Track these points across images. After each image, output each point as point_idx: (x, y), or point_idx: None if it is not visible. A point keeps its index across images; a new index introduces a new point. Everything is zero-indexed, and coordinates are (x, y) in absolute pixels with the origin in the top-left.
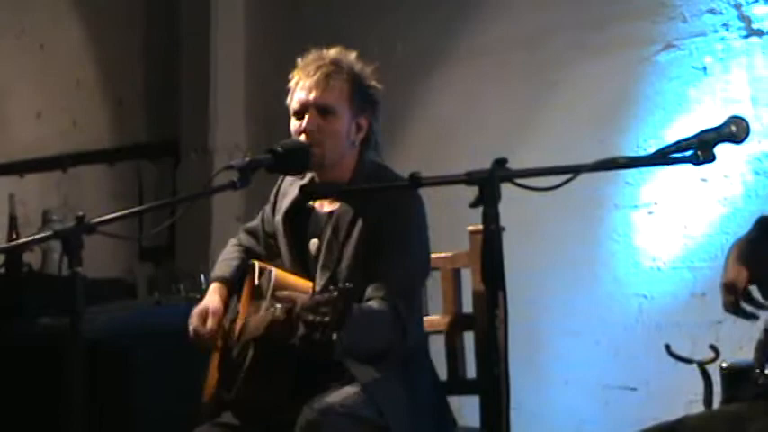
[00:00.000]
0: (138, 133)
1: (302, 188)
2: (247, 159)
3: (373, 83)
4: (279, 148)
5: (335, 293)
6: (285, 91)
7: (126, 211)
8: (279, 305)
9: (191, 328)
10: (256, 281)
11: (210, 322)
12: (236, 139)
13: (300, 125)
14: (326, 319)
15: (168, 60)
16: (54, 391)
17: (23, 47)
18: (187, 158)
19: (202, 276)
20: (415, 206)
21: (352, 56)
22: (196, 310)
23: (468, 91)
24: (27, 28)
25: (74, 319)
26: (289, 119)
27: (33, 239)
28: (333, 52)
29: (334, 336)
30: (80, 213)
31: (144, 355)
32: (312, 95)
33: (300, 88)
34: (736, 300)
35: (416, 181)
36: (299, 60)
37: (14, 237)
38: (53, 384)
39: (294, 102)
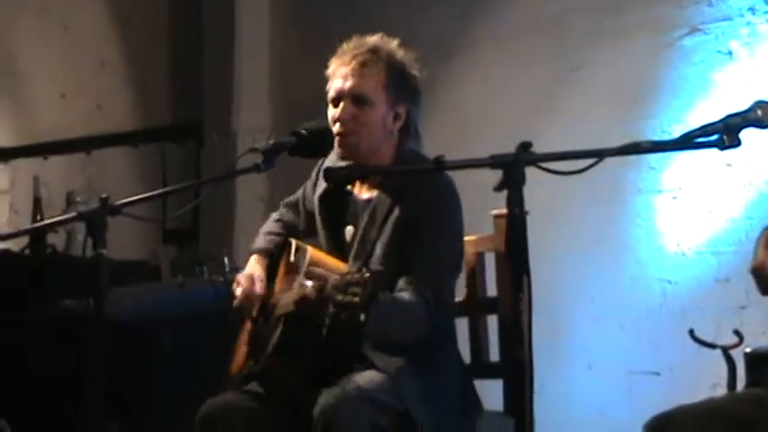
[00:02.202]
0: (162, 115)
1: (326, 172)
2: (271, 142)
3: (414, 71)
4: (303, 131)
5: (367, 274)
6: (309, 73)
7: (150, 194)
8: (310, 282)
9: (239, 290)
10: (292, 258)
11: (259, 288)
12: (260, 121)
13: (336, 113)
14: (356, 299)
15: (192, 43)
16: (77, 373)
17: (47, 29)
18: (211, 141)
19: (226, 259)
20: (452, 198)
21: (393, 43)
22: (242, 275)
23: (490, 75)
24: (51, 9)
25: (97, 300)
26: (312, 101)
27: (58, 221)
28: (373, 39)
29: (362, 316)
30: (104, 195)
31: (167, 337)
32: (347, 84)
33: (336, 76)
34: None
35: (441, 164)
36: (342, 45)
37: (39, 218)
38: (77, 366)
39: (330, 90)
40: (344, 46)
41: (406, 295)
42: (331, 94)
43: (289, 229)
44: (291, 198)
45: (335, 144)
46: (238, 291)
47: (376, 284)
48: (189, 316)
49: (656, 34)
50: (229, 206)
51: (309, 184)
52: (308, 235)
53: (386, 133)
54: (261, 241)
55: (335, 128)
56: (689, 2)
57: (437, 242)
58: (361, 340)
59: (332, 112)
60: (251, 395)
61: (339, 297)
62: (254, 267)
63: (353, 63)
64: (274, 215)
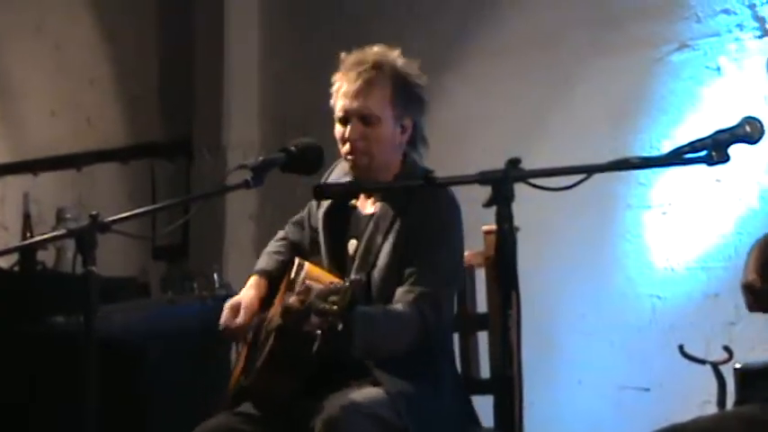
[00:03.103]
0: (152, 132)
1: (315, 190)
2: (261, 159)
3: (418, 81)
4: (293, 148)
5: (346, 284)
6: (299, 89)
7: (139, 210)
8: (295, 295)
9: (221, 320)
10: (292, 275)
11: (241, 317)
12: (250, 137)
13: (344, 132)
14: (334, 307)
15: (182, 59)
16: (68, 390)
17: (39, 46)
18: (201, 157)
19: (215, 275)
20: (453, 211)
21: (395, 54)
22: (229, 304)
23: (483, 90)
24: (43, 27)
25: (87, 317)
26: (302, 116)
27: (47, 238)
28: (374, 53)
29: (339, 326)
30: (94, 212)
31: (157, 353)
32: (354, 104)
33: (342, 95)
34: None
35: (430, 181)
36: (343, 57)
37: (28, 235)
38: (67, 382)
39: (337, 108)
40: (347, 60)
41: (399, 307)
42: (338, 113)
43: (294, 248)
44: (297, 216)
45: (347, 164)
46: (221, 321)
47: (354, 293)
48: (178, 332)
49: (645, 49)
50: (219, 222)
51: (315, 201)
52: (314, 252)
53: (395, 147)
54: (262, 262)
55: (345, 148)
56: (678, 18)
57: (438, 254)
58: (347, 351)
59: (339, 130)
60: (243, 417)
61: (320, 305)
62: (246, 293)
63: (359, 81)
64: (280, 233)
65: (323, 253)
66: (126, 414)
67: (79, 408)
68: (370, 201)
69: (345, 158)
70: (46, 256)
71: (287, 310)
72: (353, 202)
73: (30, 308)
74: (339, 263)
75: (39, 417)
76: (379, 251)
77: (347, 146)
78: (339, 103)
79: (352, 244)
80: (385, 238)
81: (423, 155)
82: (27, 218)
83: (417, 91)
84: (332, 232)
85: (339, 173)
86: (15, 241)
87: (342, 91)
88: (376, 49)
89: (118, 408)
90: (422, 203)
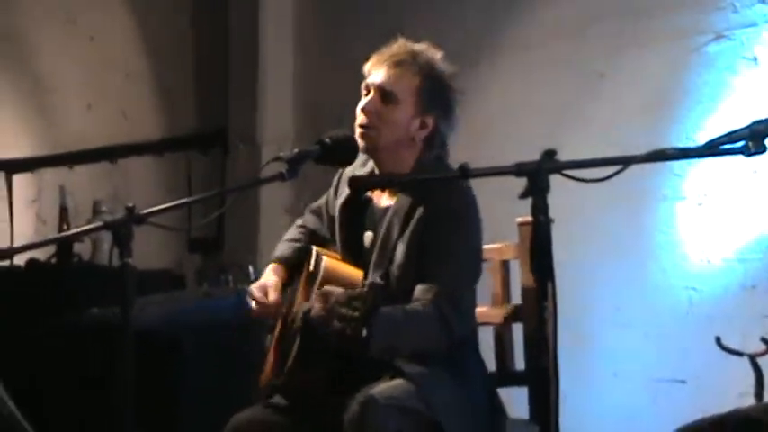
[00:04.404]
0: (187, 124)
1: (350, 180)
2: (295, 151)
3: (450, 83)
4: (327, 140)
5: (366, 288)
6: (333, 81)
7: (175, 202)
8: (314, 299)
9: (252, 302)
10: (311, 267)
11: (272, 295)
12: (285, 129)
13: (362, 104)
14: (356, 313)
15: (217, 52)
16: (104, 381)
17: (74, 39)
18: (236, 149)
19: (250, 267)
20: (470, 208)
21: (437, 54)
22: (255, 285)
23: (515, 83)
24: (78, 21)
25: (124, 309)
26: (336, 109)
27: (84, 230)
28: (417, 45)
29: (364, 331)
30: (130, 204)
31: (191, 345)
32: (378, 79)
33: (371, 69)
34: None
35: (466, 172)
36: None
37: (65, 227)
38: (103, 374)
39: (363, 85)
40: (386, 47)
41: (418, 306)
42: (363, 88)
43: (311, 235)
44: (315, 204)
45: (357, 135)
46: (252, 303)
47: (376, 298)
48: (213, 324)
49: (680, 40)
50: (254, 215)
51: (332, 190)
52: (332, 240)
53: (407, 137)
54: (280, 249)
55: (359, 119)
56: (713, 8)
57: (455, 249)
58: (369, 354)
59: (361, 103)
60: (275, 409)
61: (342, 311)
62: (267, 276)
63: (390, 61)
64: (299, 221)
65: (339, 241)
66: (159, 404)
67: (116, 397)
68: (386, 194)
69: (356, 129)
70: (82, 249)
71: (309, 315)
72: (369, 194)
73: (66, 300)
74: (354, 254)
75: (77, 406)
76: (395, 245)
77: (360, 117)
78: (367, 79)
79: (368, 236)
80: (402, 232)
81: (442, 158)
82: (63, 210)
83: (446, 92)
84: (348, 223)
85: (355, 165)
86: (52, 234)
87: (372, 67)
88: (422, 44)
89: (152, 398)
90: (439, 199)
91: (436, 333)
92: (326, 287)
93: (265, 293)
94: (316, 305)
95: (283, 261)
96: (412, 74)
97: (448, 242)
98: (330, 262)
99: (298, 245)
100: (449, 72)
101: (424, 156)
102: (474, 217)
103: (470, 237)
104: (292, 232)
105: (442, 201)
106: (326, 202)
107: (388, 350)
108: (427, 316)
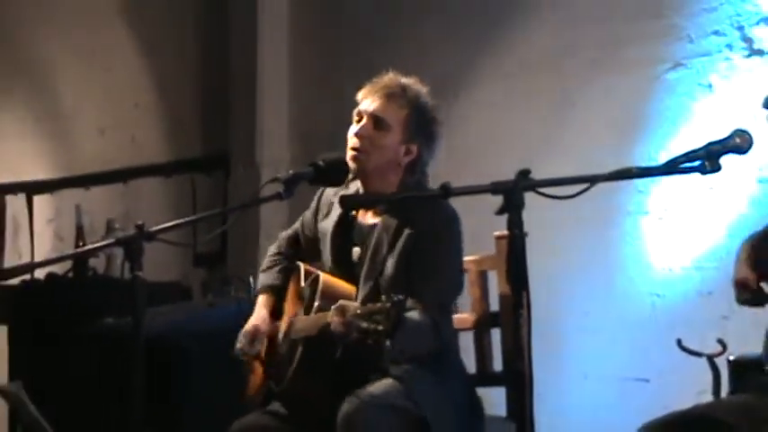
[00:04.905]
0: (193, 148)
1: (341, 199)
2: (291, 172)
3: (435, 115)
4: (320, 162)
5: (389, 304)
6: (324, 110)
7: (181, 220)
8: (332, 312)
9: (238, 345)
10: (302, 283)
11: (257, 346)
12: (281, 153)
13: (355, 128)
14: (380, 327)
15: (219, 83)
16: (117, 384)
17: (92, 69)
18: (237, 172)
19: (251, 279)
20: (453, 225)
21: (423, 88)
22: (245, 330)
23: (494, 110)
24: (97, 51)
25: (135, 318)
26: (327, 135)
27: (98, 246)
28: (405, 79)
29: (388, 342)
30: (140, 222)
31: (198, 352)
32: (371, 107)
33: (363, 99)
34: (752, 296)
35: (447, 190)
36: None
37: (81, 244)
38: (116, 378)
39: (355, 112)
40: (377, 80)
41: (417, 315)
42: (355, 115)
43: (289, 259)
44: (287, 232)
45: (350, 163)
46: (238, 346)
47: (399, 313)
48: (217, 332)
49: (643, 69)
50: (254, 231)
51: (309, 212)
52: (313, 259)
53: (395, 162)
54: (263, 279)
55: (351, 142)
56: (673, 39)
57: (441, 264)
58: (384, 361)
59: (353, 128)
60: (273, 415)
61: (364, 324)
62: (258, 314)
63: (381, 92)
64: (272, 248)
65: (325, 258)
66: (166, 408)
67: (127, 400)
68: (370, 213)
69: (348, 152)
70: (97, 263)
71: (327, 327)
72: (354, 213)
73: (82, 310)
74: (343, 267)
75: (90, 409)
76: (385, 259)
77: (353, 140)
78: (359, 107)
79: (356, 251)
80: (391, 248)
81: (422, 182)
82: (80, 228)
83: (431, 123)
84: (337, 240)
85: (335, 189)
86: (69, 250)
87: (365, 97)
88: (408, 78)
89: (160, 402)
90: (423, 216)
91: (432, 339)
92: (342, 302)
93: (252, 341)
94: (335, 318)
95: (270, 289)
96: (401, 105)
97: (435, 259)
98: (326, 276)
99: (278, 267)
100: (433, 104)
101: (406, 179)
102: (457, 234)
103: (454, 253)
104: (269, 260)
105: (428, 219)
106: (302, 225)
107: (400, 355)
108: (425, 324)
